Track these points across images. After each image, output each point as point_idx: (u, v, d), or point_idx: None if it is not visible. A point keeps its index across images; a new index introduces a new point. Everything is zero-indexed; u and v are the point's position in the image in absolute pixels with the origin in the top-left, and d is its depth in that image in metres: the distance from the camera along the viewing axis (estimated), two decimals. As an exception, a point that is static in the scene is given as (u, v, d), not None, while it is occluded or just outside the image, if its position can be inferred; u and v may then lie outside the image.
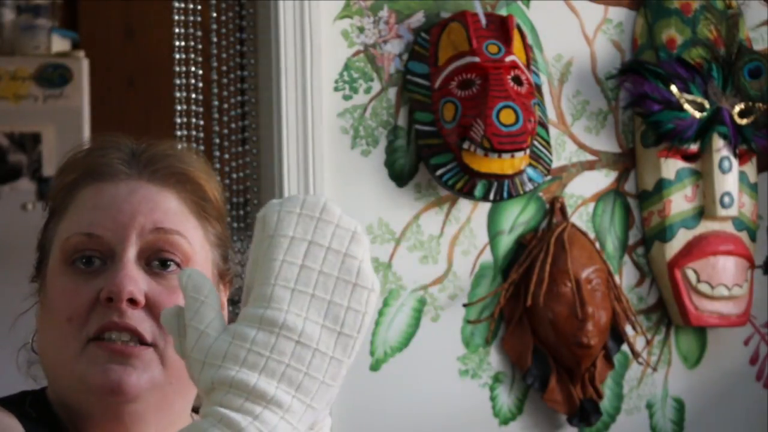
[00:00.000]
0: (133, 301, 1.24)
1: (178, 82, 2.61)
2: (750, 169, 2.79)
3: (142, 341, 1.24)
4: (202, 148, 2.60)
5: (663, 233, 2.72)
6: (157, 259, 1.28)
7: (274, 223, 1.05)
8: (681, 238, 2.71)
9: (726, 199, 2.68)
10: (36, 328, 1.32)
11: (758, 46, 2.85)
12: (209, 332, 1.04)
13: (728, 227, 2.74)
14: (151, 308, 1.25)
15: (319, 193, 2.51)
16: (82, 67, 4.40)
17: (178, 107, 2.61)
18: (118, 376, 1.23)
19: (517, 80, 2.50)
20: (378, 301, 1.05)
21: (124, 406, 1.25)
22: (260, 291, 1.04)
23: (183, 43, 2.62)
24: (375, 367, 2.55)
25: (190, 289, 1.06)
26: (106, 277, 1.25)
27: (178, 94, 2.61)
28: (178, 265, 1.28)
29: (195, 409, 1.34)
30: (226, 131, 2.64)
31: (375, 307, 1.05)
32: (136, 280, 1.25)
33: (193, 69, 2.62)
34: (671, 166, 2.71)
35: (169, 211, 1.30)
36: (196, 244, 1.31)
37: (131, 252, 1.26)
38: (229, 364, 1.01)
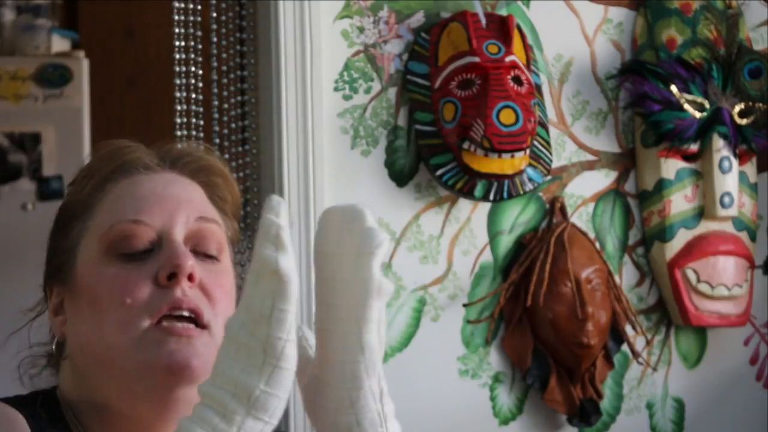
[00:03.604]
0: (191, 277, 1.26)
1: (178, 82, 2.61)
2: (750, 169, 2.79)
3: (198, 323, 1.26)
4: (203, 146, 2.60)
5: (663, 233, 2.72)
6: (199, 246, 1.30)
7: None
8: (681, 238, 2.71)
9: (726, 199, 2.68)
10: (65, 330, 1.32)
11: (758, 46, 2.85)
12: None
13: (728, 227, 2.74)
14: (203, 290, 1.28)
15: (319, 194, 2.51)
16: (82, 67, 4.40)
17: (178, 107, 2.61)
18: (185, 356, 1.24)
19: (517, 80, 2.50)
20: (291, 377, 1.10)
21: (176, 392, 1.25)
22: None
23: (183, 43, 2.62)
24: (375, 367, 2.54)
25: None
26: (159, 260, 1.27)
27: (178, 94, 2.61)
28: (217, 253, 1.32)
29: None
30: (226, 131, 2.64)
31: (287, 384, 1.10)
32: (192, 257, 1.27)
33: (193, 69, 2.62)
34: (671, 166, 2.71)
35: (204, 202, 1.34)
36: (225, 236, 1.35)
37: (180, 236, 1.29)
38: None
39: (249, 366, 1.10)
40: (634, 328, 2.65)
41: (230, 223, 1.37)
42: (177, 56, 2.62)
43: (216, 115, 2.64)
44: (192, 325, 1.25)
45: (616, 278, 2.70)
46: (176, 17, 2.62)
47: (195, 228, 1.30)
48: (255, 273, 1.08)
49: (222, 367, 1.10)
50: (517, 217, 2.66)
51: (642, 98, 2.66)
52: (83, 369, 1.30)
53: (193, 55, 2.63)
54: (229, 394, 1.09)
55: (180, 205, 1.30)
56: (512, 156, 2.46)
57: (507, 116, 2.44)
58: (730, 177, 2.69)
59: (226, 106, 2.64)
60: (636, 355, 2.66)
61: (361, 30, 2.58)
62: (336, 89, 2.56)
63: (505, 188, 2.51)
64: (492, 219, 2.65)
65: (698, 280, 2.70)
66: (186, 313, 1.25)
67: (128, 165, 1.34)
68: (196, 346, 1.25)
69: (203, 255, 1.30)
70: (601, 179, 2.74)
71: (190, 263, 1.26)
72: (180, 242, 1.28)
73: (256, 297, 1.08)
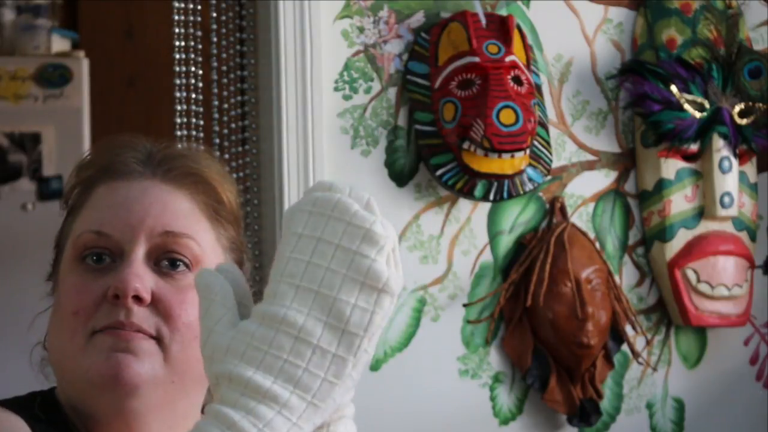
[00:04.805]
0: (138, 299, 1.25)
1: (178, 82, 2.61)
2: (750, 169, 2.79)
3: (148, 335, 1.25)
4: (201, 148, 2.60)
5: (663, 233, 2.72)
6: (166, 259, 1.28)
7: (287, 221, 1.04)
8: (681, 238, 2.71)
9: (726, 199, 2.68)
10: (48, 326, 1.33)
11: (758, 46, 2.85)
12: (218, 329, 1.02)
13: (728, 227, 2.74)
14: (158, 306, 1.26)
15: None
16: (82, 67, 4.40)
17: (178, 107, 2.61)
18: (118, 363, 1.23)
19: (517, 80, 2.50)
20: (394, 301, 1.02)
21: (124, 402, 1.25)
22: (268, 288, 1.02)
23: (183, 43, 2.62)
24: (375, 367, 2.55)
25: (202, 289, 1.05)
26: (114, 275, 1.26)
27: (178, 94, 2.61)
28: (187, 265, 1.29)
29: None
30: (226, 131, 2.64)
31: (388, 306, 1.01)
32: (142, 278, 1.26)
33: (193, 69, 2.62)
34: (671, 166, 2.71)
35: (180, 214, 1.31)
36: (207, 246, 1.31)
37: (139, 251, 1.27)
38: (230, 359, 1.00)
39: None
40: (634, 328, 2.65)
41: (223, 230, 1.34)
42: (177, 56, 2.62)
43: (216, 115, 2.64)
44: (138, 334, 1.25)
45: (616, 278, 2.70)
46: (176, 17, 2.62)
47: (159, 242, 1.28)
48: (350, 279, 1.03)
49: None
50: (517, 217, 2.66)
51: (642, 98, 2.66)
52: (54, 370, 1.31)
53: (193, 55, 2.63)
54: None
55: (146, 218, 1.28)
56: (512, 156, 2.46)
57: (507, 116, 2.44)
58: (730, 177, 2.69)
59: (226, 106, 2.64)
60: (636, 355, 2.66)
61: (361, 30, 2.58)
62: (336, 89, 2.56)
63: (505, 188, 2.51)
64: (492, 219, 2.65)
65: (698, 280, 2.70)
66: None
67: (111, 169, 1.32)
68: (135, 351, 1.24)
69: (167, 268, 1.28)
70: (601, 179, 2.74)
71: (135, 286, 1.24)
72: (135, 259, 1.26)
73: (350, 305, 1.03)
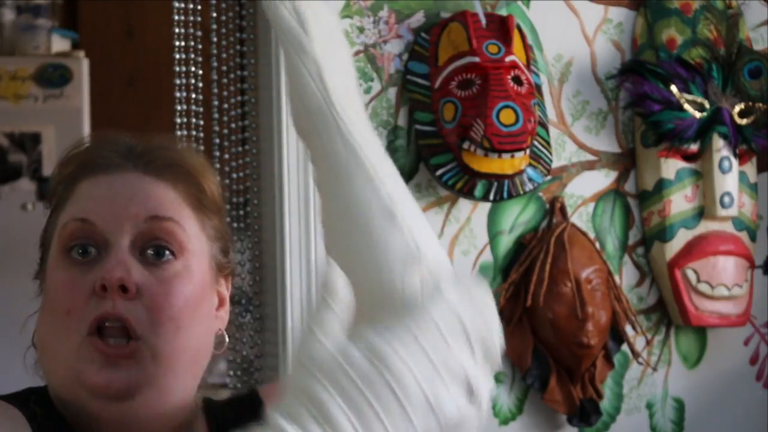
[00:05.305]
0: (124, 289, 1.24)
1: (178, 82, 2.61)
2: (750, 169, 2.79)
3: (131, 335, 1.25)
4: (202, 148, 2.60)
5: (663, 233, 2.72)
6: (152, 248, 1.28)
7: None
8: (681, 238, 2.71)
9: (726, 199, 2.68)
10: (36, 324, 1.33)
11: (758, 46, 2.85)
12: (322, 340, 1.02)
13: (728, 227, 2.74)
14: (143, 299, 1.26)
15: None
16: (82, 67, 4.40)
17: (178, 107, 2.61)
18: (110, 376, 1.24)
19: (517, 80, 2.50)
20: (482, 414, 1.03)
21: (119, 405, 1.25)
22: (388, 315, 1.02)
23: (183, 43, 2.62)
24: (375, 367, 2.55)
25: (323, 288, 1.05)
26: (101, 268, 1.26)
27: (178, 94, 2.61)
28: (173, 253, 1.28)
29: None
30: (226, 131, 2.64)
31: (474, 418, 1.02)
32: (127, 268, 1.25)
33: (193, 69, 2.62)
34: (671, 166, 2.71)
35: (165, 201, 1.31)
36: (192, 234, 1.31)
37: (124, 241, 1.27)
38: (317, 374, 0.99)
39: None
40: (634, 328, 2.65)
41: (208, 220, 1.34)
42: (177, 56, 2.62)
43: (216, 115, 2.64)
44: (123, 341, 1.24)
45: (616, 278, 2.70)
46: (176, 17, 2.62)
47: (145, 229, 1.28)
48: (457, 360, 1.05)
49: None
50: (517, 217, 2.66)
51: (642, 98, 2.66)
52: (44, 367, 1.31)
53: (193, 55, 2.63)
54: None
55: (130, 207, 1.28)
56: (512, 156, 2.46)
57: (507, 116, 2.44)
58: (730, 177, 2.69)
59: (226, 106, 2.64)
60: (636, 355, 2.66)
61: (361, 30, 2.58)
62: (336, 89, 2.56)
63: (505, 188, 2.51)
64: (492, 219, 2.65)
65: (698, 280, 2.70)
66: (117, 324, 1.24)
67: (93, 163, 1.33)
68: (128, 364, 1.24)
69: (153, 257, 1.28)
70: (601, 179, 2.74)
71: (119, 276, 1.24)
72: (120, 250, 1.26)
73: (445, 388, 1.05)
